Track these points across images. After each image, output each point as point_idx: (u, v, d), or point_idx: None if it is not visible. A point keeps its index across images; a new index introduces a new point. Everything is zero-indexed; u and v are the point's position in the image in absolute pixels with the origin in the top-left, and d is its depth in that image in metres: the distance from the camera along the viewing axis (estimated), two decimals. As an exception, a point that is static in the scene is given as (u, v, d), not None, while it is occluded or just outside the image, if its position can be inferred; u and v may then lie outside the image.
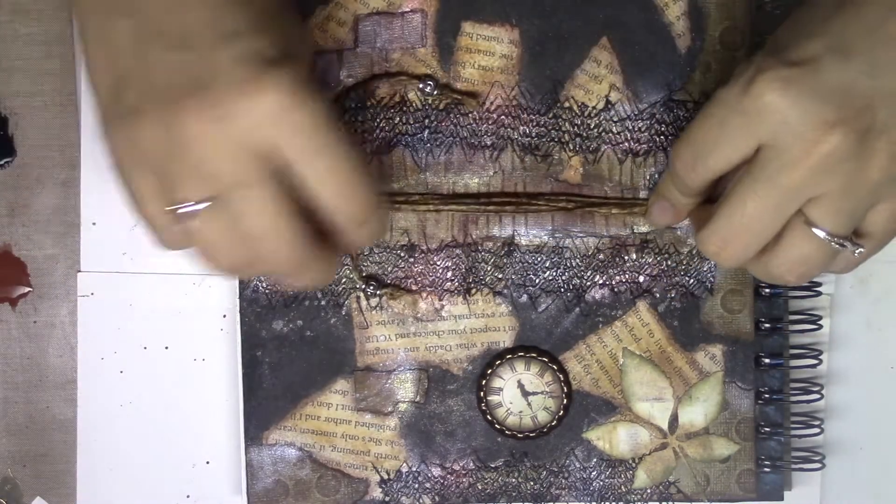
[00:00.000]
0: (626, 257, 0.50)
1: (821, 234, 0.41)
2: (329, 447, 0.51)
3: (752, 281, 0.50)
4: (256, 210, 0.38)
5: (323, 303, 0.50)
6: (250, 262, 0.40)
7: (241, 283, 0.50)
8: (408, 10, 0.49)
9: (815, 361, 0.51)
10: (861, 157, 0.39)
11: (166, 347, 0.52)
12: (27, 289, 0.52)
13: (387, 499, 0.51)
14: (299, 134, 0.38)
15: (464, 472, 0.51)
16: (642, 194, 0.50)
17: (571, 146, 0.50)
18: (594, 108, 0.50)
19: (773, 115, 0.39)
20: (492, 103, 0.49)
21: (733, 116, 0.40)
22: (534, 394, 0.51)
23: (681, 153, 0.43)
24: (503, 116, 0.50)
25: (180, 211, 0.38)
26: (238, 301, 0.50)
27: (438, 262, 0.50)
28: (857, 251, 0.42)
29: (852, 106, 0.39)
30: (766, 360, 0.51)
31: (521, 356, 0.50)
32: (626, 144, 0.50)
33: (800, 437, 0.52)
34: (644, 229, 0.50)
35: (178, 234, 0.39)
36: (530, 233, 0.50)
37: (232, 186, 0.38)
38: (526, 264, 0.50)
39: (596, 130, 0.50)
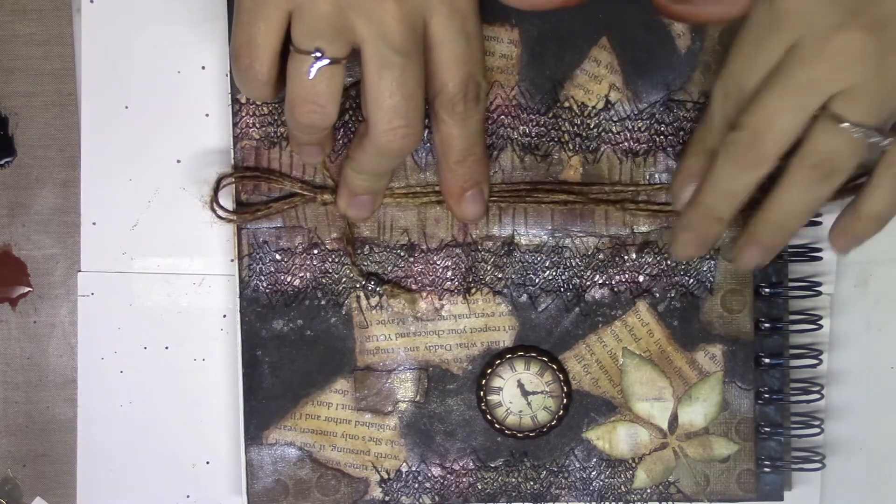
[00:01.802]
0: (626, 257, 0.50)
1: (845, 125, 0.41)
2: (329, 447, 0.51)
3: (752, 281, 0.50)
4: (408, 79, 0.41)
5: (323, 302, 0.50)
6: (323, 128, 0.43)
7: (241, 282, 0.50)
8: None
9: (815, 361, 0.51)
10: (882, 50, 0.40)
11: (166, 347, 0.52)
12: (27, 289, 0.52)
13: (387, 498, 0.51)
14: (458, 16, 0.42)
15: (464, 471, 0.51)
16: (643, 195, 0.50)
17: (571, 146, 0.50)
18: (594, 107, 0.50)
19: (794, 15, 0.40)
20: (491, 103, 0.49)
21: (763, 28, 0.41)
22: (533, 393, 0.51)
23: (718, 87, 0.44)
24: (503, 116, 0.50)
25: (319, 64, 0.41)
26: (238, 301, 0.50)
27: (438, 262, 0.50)
28: (884, 142, 0.41)
29: (866, 2, 0.39)
30: (766, 360, 0.51)
31: (520, 356, 0.51)
32: (626, 144, 0.50)
33: (800, 437, 0.52)
34: (644, 229, 0.50)
35: (273, 76, 0.42)
36: (530, 232, 0.50)
37: (396, 53, 0.40)
38: (526, 264, 0.50)
39: (596, 130, 0.50)
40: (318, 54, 0.40)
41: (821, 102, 0.41)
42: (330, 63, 0.41)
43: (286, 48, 0.42)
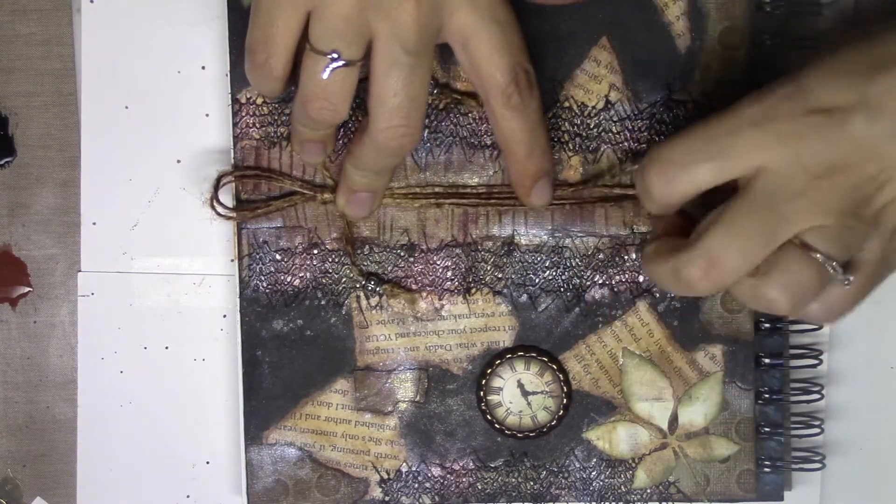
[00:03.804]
0: (626, 257, 0.50)
1: (818, 256, 0.40)
2: (329, 447, 0.51)
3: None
4: (414, 80, 0.41)
5: (323, 302, 0.50)
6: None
7: (241, 282, 0.50)
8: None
9: (815, 361, 0.51)
10: (864, 200, 0.40)
11: (166, 347, 0.52)
12: (27, 289, 0.52)
13: (387, 498, 0.51)
14: (482, 5, 0.42)
15: (464, 471, 0.51)
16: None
17: (571, 146, 0.50)
18: (594, 107, 0.50)
19: (788, 146, 0.39)
20: (492, 103, 0.49)
21: (749, 129, 0.40)
22: (533, 393, 0.51)
23: (668, 153, 0.42)
24: (503, 116, 0.50)
25: (334, 65, 0.41)
26: (238, 301, 0.50)
27: (438, 262, 0.50)
28: (846, 280, 0.41)
29: (866, 158, 0.39)
30: (766, 360, 0.51)
31: (520, 356, 0.51)
32: (626, 144, 0.50)
33: (800, 437, 0.52)
34: (644, 229, 0.50)
35: (287, 72, 0.42)
36: (530, 232, 0.50)
37: (407, 53, 0.40)
38: (526, 264, 0.50)
39: (596, 130, 0.50)
40: (335, 55, 0.41)
41: (795, 233, 0.40)
42: (345, 65, 0.41)
43: (300, 43, 0.42)
